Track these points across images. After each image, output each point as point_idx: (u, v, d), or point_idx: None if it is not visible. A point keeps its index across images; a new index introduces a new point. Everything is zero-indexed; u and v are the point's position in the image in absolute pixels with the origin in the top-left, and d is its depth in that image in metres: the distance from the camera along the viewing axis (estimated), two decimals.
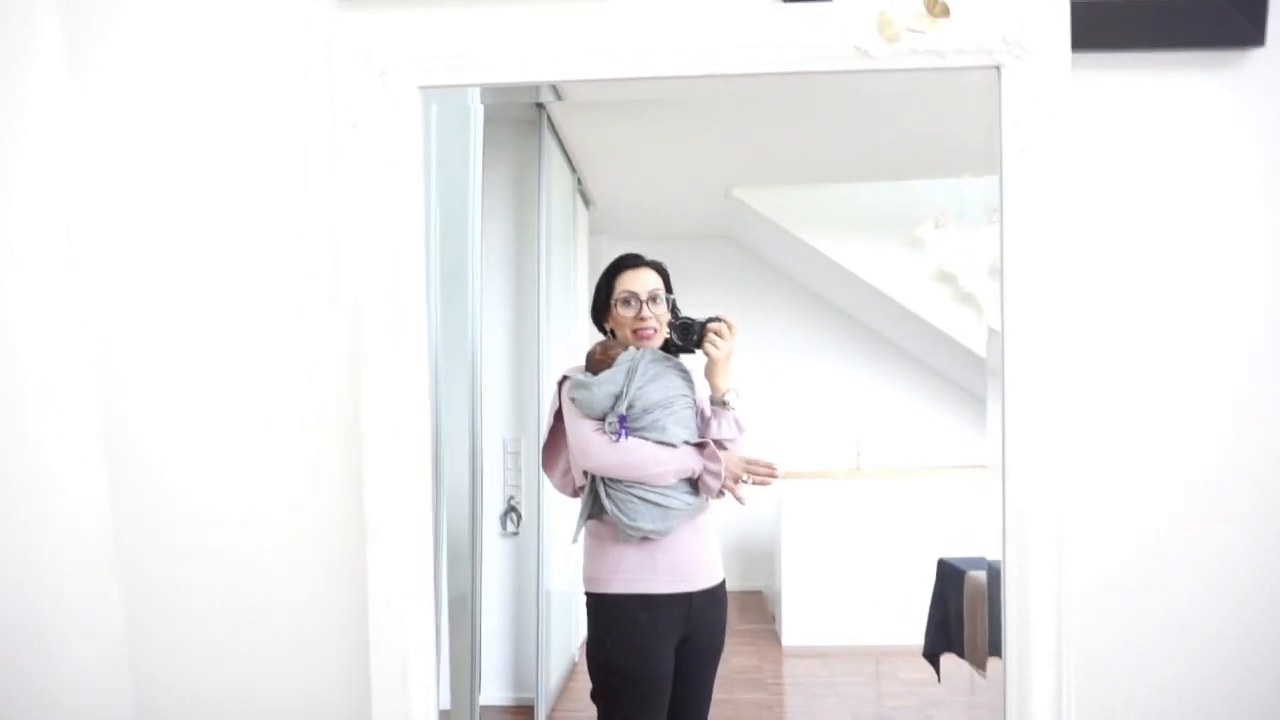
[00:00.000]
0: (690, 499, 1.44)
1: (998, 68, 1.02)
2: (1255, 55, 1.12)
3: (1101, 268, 1.16)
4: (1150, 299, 1.17)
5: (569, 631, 2.34)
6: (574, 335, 1.97)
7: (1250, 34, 1.09)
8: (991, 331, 1.10)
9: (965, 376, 2.33)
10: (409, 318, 1.06)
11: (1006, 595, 1.06)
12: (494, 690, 2.14)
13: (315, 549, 1.27)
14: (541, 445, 1.56)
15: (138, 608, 1.31)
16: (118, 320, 1.29)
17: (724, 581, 1.54)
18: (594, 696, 1.50)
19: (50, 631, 1.22)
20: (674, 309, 1.52)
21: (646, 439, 1.42)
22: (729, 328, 1.46)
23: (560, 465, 1.53)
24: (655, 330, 1.50)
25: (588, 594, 1.51)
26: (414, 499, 1.08)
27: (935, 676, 1.97)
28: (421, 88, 1.03)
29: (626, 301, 1.50)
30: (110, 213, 1.28)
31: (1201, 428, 1.18)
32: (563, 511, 1.73)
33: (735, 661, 2.30)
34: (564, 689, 2.22)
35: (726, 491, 1.45)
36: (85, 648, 1.27)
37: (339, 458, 1.24)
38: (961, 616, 1.88)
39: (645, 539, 1.43)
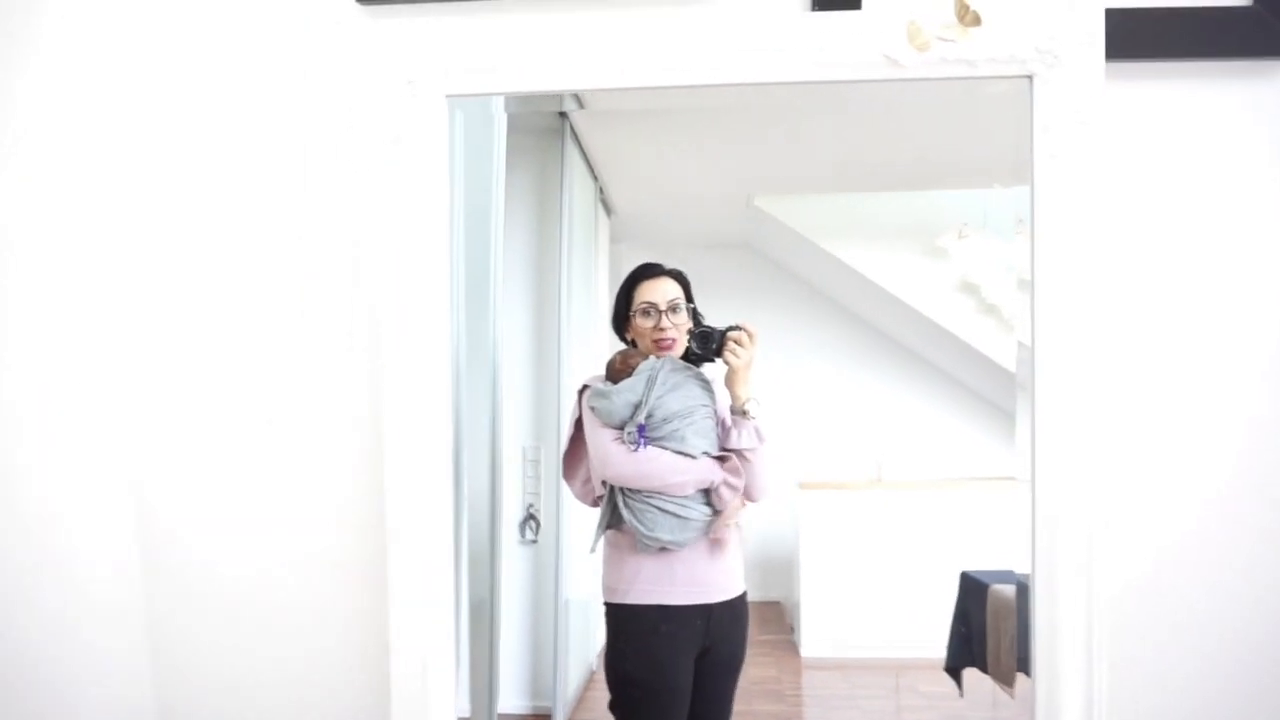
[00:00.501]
0: (708, 510, 1.44)
1: (1030, 77, 1.01)
2: None
3: (1133, 279, 1.14)
4: (1181, 310, 1.15)
5: (587, 640, 2.33)
6: (595, 344, 1.97)
7: None
8: (1021, 346, 1.08)
9: (988, 388, 2.31)
10: (432, 325, 1.06)
11: (1036, 611, 1.04)
12: (511, 699, 2.13)
13: (335, 556, 1.27)
14: (562, 454, 1.55)
15: (159, 615, 1.31)
16: (134, 335, 1.30)
17: (745, 594, 1.53)
18: (611, 708, 1.49)
19: (71, 640, 1.23)
20: (696, 318, 1.51)
21: (665, 449, 1.42)
22: (750, 336, 1.45)
23: (580, 474, 1.53)
24: (675, 340, 1.49)
25: (606, 604, 1.50)
26: (434, 502, 1.08)
27: (957, 690, 1.95)
28: (448, 96, 1.03)
29: (645, 312, 1.50)
30: (133, 228, 1.29)
31: (1232, 440, 1.16)
32: (582, 520, 1.72)
33: (754, 672, 2.28)
34: (582, 698, 2.21)
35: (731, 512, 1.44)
36: (106, 650, 1.28)
37: (359, 465, 1.24)
38: (985, 630, 1.86)
39: (664, 549, 1.42)
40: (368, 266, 1.17)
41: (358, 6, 1.19)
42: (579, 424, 1.50)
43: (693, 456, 1.42)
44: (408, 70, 1.01)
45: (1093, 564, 1.02)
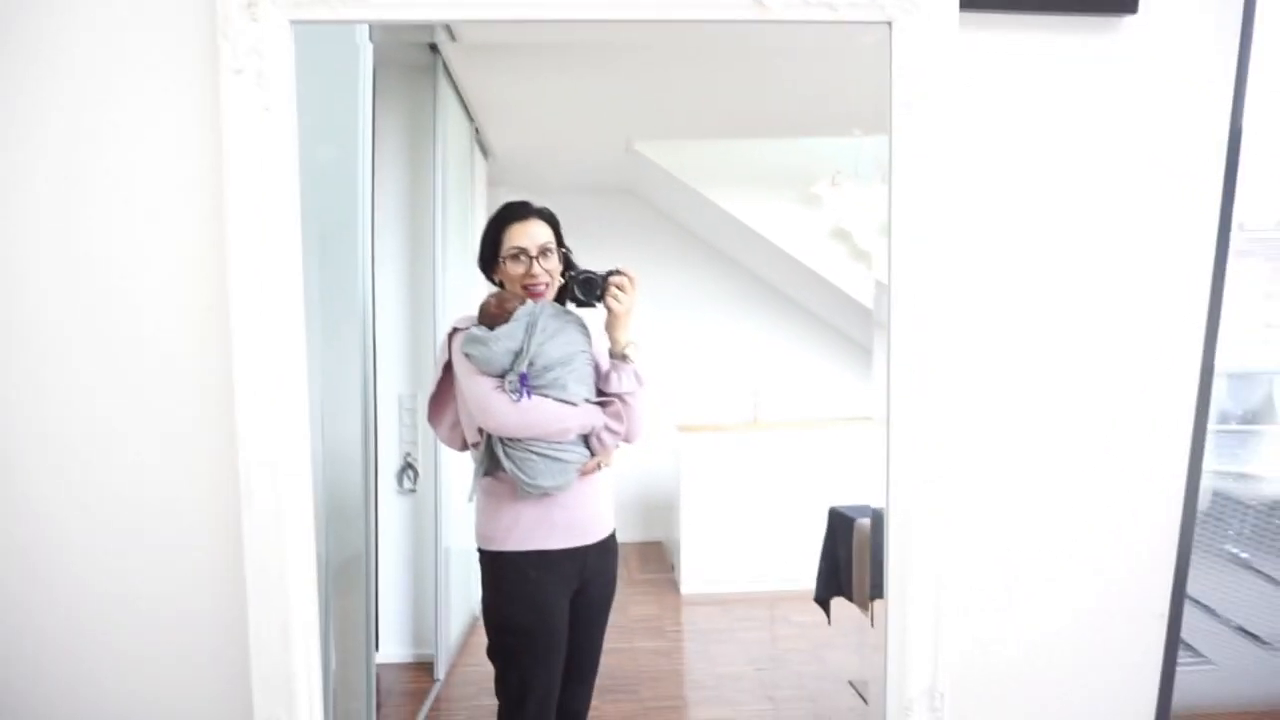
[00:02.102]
0: (585, 452, 1.44)
1: (889, 23, 1.03)
2: (1128, 21, 1.16)
3: (986, 223, 1.19)
4: (1031, 253, 1.21)
5: (469, 587, 2.33)
6: (472, 290, 1.94)
7: (1124, 1, 1.14)
8: (879, 285, 1.12)
9: (859, 331, 2.40)
10: (280, 272, 0.99)
11: (889, 540, 1.10)
12: (393, 648, 2.12)
13: (191, 515, 1.21)
14: (428, 397, 1.50)
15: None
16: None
17: (614, 533, 1.55)
18: (490, 654, 1.48)
19: None
20: (568, 261, 1.47)
21: (547, 397, 1.40)
22: (631, 281, 1.42)
23: (448, 418, 1.48)
24: (547, 285, 1.45)
25: (481, 551, 1.48)
26: (289, 462, 1.03)
27: (826, 619, 2.06)
28: (293, 22, 0.96)
29: (515, 257, 1.44)
30: None
31: (1072, 380, 1.23)
32: (460, 467, 1.71)
33: (635, 610, 2.34)
34: (465, 644, 2.21)
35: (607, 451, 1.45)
36: None
37: (214, 420, 1.17)
38: (851, 562, 1.96)
39: (544, 495, 1.42)
40: (220, 210, 1.09)
41: None
42: (447, 367, 1.45)
43: (574, 404, 1.41)
44: None
45: (942, 496, 1.08)
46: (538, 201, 1.48)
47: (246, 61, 0.96)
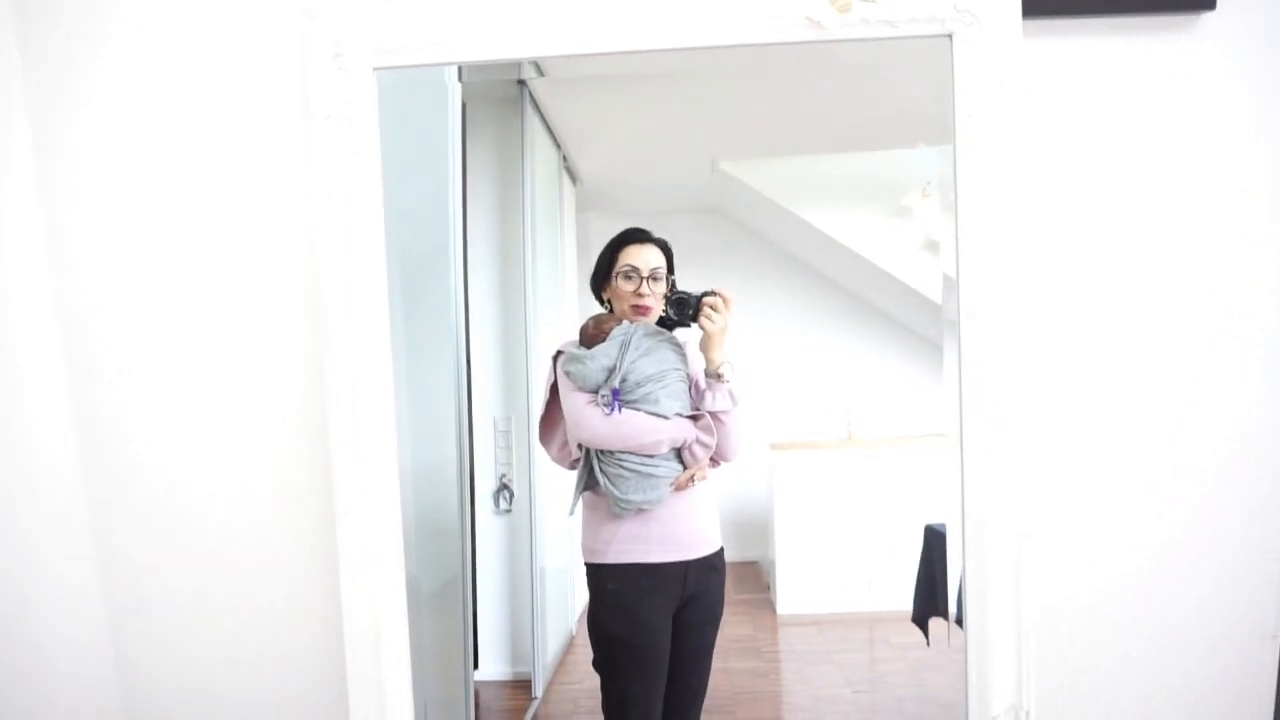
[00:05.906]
0: (677, 467, 1.47)
1: (949, 36, 1.01)
2: (1206, 19, 1.10)
3: (1058, 233, 1.16)
4: (1106, 261, 1.17)
5: (565, 606, 2.37)
6: (562, 313, 1.99)
7: None
8: (946, 278, 1.08)
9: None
10: (369, 301, 1.07)
11: (966, 554, 1.07)
12: (491, 666, 2.18)
13: (290, 532, 1.29)
14: (538, 419, 1.58)
15: (118, 597, 1.33)
16: (90, 312, 1.30)
17: (721, 549, 1.57)
18: (595, 665, 1.53)
19: (33, 624, 1.25)
20: (673, 288, 1.54)
21: (639, 410, 1.44)
22: (725, 301, 1.47)
23: (557, 439, 1.56)
24: (651, 308, 1.52)
25: (586, 564, 1.54)
26: (380, 480, 1.09)
27: (925, 641, 1.99)
28: (376, 69, 1.03)
29: (628, 275, 1.53)
30: (81, 202, 1.30)
31: (1157, 388, 1.17)
32: (555, 487, 1.75)
33: (731, 631, 2.32)
34: (561, 662, 2.25)
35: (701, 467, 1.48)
36: (68, 636, 1.30)
37: (313, 441, 1.25)
38: (947, 581, 1.89)
39: (639, 510, 1.46)
40: (312, 245, 1.18)
41: None
42: (554, 389, 1.53)
43: (665, 417, 1.45)
44: (334, 44, 1.01)
45: (1018, 504, 1.04)
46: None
47: (334, 108, 1.03)
